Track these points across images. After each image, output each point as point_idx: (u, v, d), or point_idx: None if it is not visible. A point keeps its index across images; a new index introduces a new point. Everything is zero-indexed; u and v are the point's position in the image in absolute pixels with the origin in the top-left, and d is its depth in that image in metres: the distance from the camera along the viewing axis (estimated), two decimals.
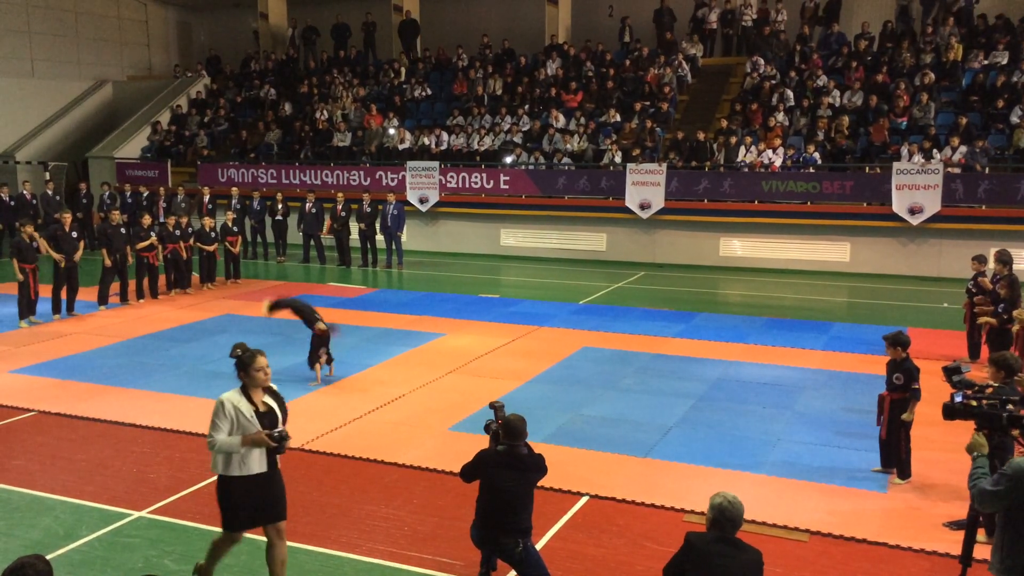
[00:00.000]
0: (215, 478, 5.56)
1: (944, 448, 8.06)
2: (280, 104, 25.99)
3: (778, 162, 19.28)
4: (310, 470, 7.91)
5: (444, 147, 22.56)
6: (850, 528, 6.77)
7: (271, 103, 26.33)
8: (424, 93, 25.03)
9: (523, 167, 21.32)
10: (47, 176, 23.88)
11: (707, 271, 19.31)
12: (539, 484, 5.65)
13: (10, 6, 26.56)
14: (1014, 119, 18.60)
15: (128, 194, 22.28)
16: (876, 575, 6.15)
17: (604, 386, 10.55)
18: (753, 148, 19.74)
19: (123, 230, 15.60)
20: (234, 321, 14.11)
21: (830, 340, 12.83)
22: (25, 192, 21.10)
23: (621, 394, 10.24)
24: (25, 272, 13.56)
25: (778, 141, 19.63)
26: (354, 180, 22.39)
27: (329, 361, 10.75)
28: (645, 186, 19.87)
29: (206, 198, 20.71)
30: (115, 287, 15.35)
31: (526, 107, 22.97)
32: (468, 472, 5.60)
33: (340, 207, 19.87)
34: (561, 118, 22.28)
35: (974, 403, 5.05)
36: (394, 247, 19.88)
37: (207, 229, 17.07)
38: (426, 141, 22.80)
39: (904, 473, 7.66)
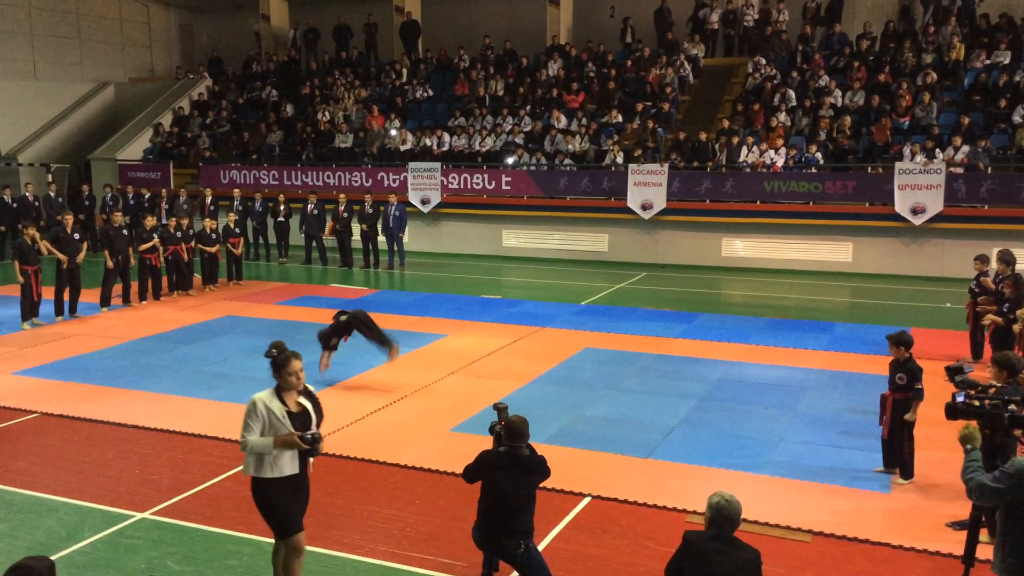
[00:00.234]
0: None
1: (947, 448, 8.02)
2: (282, 105, 26.02)
3: (780, 162, 19.27)
4: (312, 471, 7.88)
5: (446, 148, 22.56)
6: (853, 528, 6.76)
7: (273, 104, 26.35)
8: (426, 94, 25.04)
9: (525, 168, 21.31)
10: (49, 178, 23.88)
11: (709, 271, 19.30)
12: (541, 485, 5.65)
13: (12, 8, 26.62)
14: (1016, 119, 18.57)
15: (130, 196, 22.31)
16: (879, 575, 6.14)
17: (606, 387, 10.54)
18: (755, 148, 19.72)
19: (125, 232, 15.62)
20: (236, 322, 14.11)
21: (832, 340, 12.82)
22: (27, 194, 21.16)
23: (623, 394, 10.24)
24: (27, 274, 13.57)
25: (780, 141, 19.61)
26: (356, 181, 22.39)
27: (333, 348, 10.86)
28: (647, 186, 19.85)
29: (208, 200, 20.75)
30: (117, 289, 15.37)
31: (528, 108, 22.96)
32: (470, 473, 5.59)
33: (342, 208, 19.88)
34: (563, 119, 22.27)
35: (976, 403, 5.06)
36: (396, 248, 19.87)
37: (209, 230, 17.10)
38: (428, 142, 22.80)
39: (907, 473, 7.66)
